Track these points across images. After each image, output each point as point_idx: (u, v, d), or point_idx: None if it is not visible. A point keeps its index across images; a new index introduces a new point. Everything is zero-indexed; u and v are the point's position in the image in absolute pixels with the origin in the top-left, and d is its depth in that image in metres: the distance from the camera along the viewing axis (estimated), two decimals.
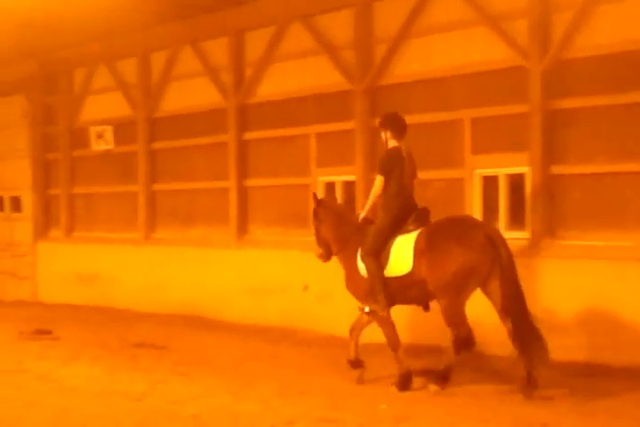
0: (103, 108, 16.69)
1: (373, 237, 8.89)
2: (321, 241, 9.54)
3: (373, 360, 9.31)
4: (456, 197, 11.24)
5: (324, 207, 9.64)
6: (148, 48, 15.72)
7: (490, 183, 11.02)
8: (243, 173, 13.99)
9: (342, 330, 9.61)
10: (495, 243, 8.40)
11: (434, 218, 8.96)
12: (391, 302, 8.88)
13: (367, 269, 8.91)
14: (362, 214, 9.33)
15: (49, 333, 12.63)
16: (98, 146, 16.53)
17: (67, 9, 13.34)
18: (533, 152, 10.36)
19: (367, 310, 9.00)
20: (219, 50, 14.42)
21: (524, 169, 10.57)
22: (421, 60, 11.71)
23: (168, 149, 15.42)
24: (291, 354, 10.79)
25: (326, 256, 9.52)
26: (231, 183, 14.02)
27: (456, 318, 8.48)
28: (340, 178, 12.77)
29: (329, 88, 12.80)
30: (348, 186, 12.65)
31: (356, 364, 9.13)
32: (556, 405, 7.91)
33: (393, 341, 8.95)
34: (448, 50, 11.35)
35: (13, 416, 7.69)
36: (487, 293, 8.59)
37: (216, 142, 14.38)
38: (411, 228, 8.81)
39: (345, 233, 9.34)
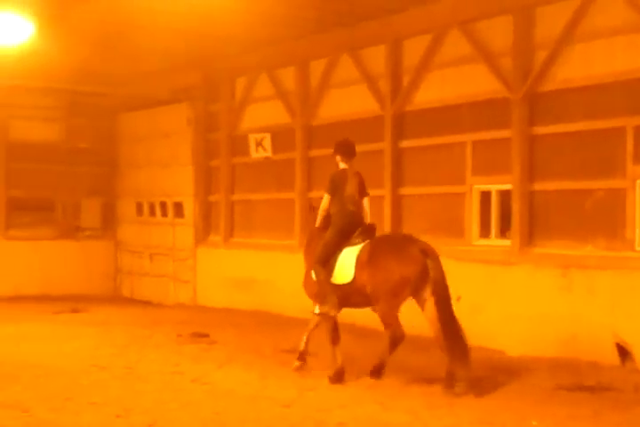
0: (262, 115, 17.02)
1: (321, 248, 9.96)
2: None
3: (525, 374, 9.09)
4: (617, 208, 10.88)
5: (312, 214, 10.76)
6: (306, 56, 15.91)
7: None
8: (397, 181, 13.96)
9: (493, 342, 9.46)
10: (429, 257, 9.30)
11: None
12: (338, 305, 9.88)
13: (316, 276, 9.96)
14: (316, 224, 10.34)
15: (206, 336, 12.90)
16: (257, 153, 16.84)
17: (230, 19, 13.65)
18: None
19: (317, 311, 10.05)
20: (376, 57, 14.47)
21: None
22: (582, 66, 11.43)
23: (324, 157, 15.51)
24: (440, 364, 10.65)
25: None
26: (386, 191, 14.01)
27: (391, 320, 9.47)
28: (495, 187, 12.59)
29: (486, 95, 12.64)
30: (504, 195, 12.45)
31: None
32: None
33: (333, 338, 9.96)
34: (610, 56, 11.02)
35: (168, 417, 7.88)
36: (418, 301, 9.50)
37: (372, 150, 14.38)
38: (356, 241, 9.82)
39: (309, 238, 10.65)
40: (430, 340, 9.59)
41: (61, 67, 17.02)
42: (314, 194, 15.69)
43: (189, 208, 18.69)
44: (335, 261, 9.77)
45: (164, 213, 19.58)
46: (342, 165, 10.24)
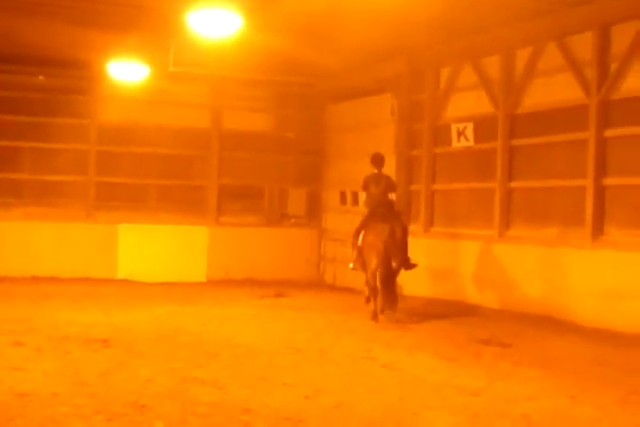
0: (465, 105, 16.86)
1: (358, 225, 14.36)
2: None
3: None
4: None
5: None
6: (511, 45, 15.63)
7: None
8: (601, 171, 13.51)
9: None
10: (391, 235, 13.58)
11: None
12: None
13: (352, 242, 14.39)
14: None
15: (401, 323, 12.99)
16: (458, 143, 16.73)
17: (434, 7, 13.61)
18: None
19: (350, 266, 14.49)
20: (582, 45, 14.02)
21: None
22: None
23: (526, 146, 15.28)
24: None
25: None
26: (588, 182, 13.60)
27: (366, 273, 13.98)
28: None
29: None
30: None
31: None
32: None
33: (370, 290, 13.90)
34: None
35: (354, 400, 8.01)
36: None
37: (574, 140, 14.03)
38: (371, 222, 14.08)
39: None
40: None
41: (270, 58, 17.57)
42: (515, 184, 15.47)
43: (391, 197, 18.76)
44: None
45: None
46: (375, 171, 14.59)
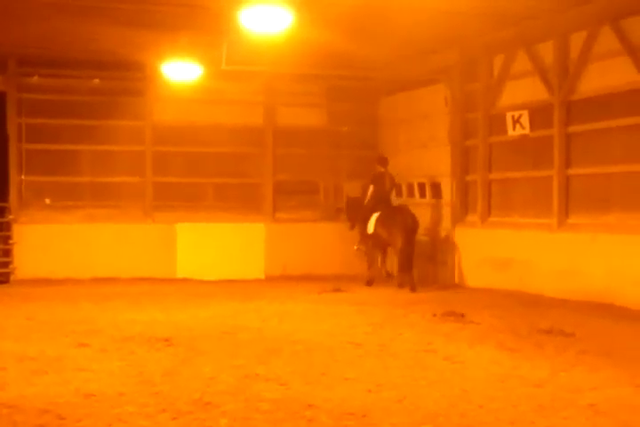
0: (519, 92, 16.69)
1: (363, 213, 17.93)
2: (350, 218, 19.06)
3: None
4: None
5: (350, 200, 19.47)
6: (565, 30, 15.41)
7: None
8: None
9: None
10: (404, 219, 17.00)
11: None
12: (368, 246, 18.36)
13: (359, 229, 18.29)
14: (365, 202, 18.14)
15: (461, 316, 12.86)
16: (514, 131, 16.56)
17: None
18: None
19: (355, 247, 18.55)
20: (638, 27, 13.78)
21: None
22: None
23: (583, 133, 15.07)
24: None
25: (351, 226, 18.87)
26: None
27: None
28: None
29: None
30: None
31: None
32: None
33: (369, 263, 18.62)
34: None
35: (417, 393, 7.95)
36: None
37: (633, 124, 13.79)
38: (378, 211, 17.53)
39: (361, 212, 18.17)
40: None
41: (322, 53, 17.58)
42: (573, 171, 15.27)
43: (447, 188, 18.68)
44: (369, 221, 17.55)
45: (423, 194, 19.65)
46: (380, 169, 18.05)
